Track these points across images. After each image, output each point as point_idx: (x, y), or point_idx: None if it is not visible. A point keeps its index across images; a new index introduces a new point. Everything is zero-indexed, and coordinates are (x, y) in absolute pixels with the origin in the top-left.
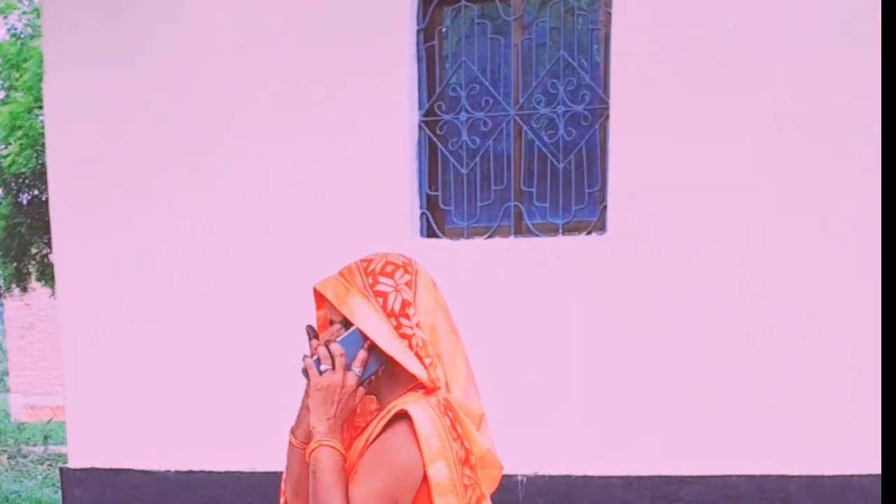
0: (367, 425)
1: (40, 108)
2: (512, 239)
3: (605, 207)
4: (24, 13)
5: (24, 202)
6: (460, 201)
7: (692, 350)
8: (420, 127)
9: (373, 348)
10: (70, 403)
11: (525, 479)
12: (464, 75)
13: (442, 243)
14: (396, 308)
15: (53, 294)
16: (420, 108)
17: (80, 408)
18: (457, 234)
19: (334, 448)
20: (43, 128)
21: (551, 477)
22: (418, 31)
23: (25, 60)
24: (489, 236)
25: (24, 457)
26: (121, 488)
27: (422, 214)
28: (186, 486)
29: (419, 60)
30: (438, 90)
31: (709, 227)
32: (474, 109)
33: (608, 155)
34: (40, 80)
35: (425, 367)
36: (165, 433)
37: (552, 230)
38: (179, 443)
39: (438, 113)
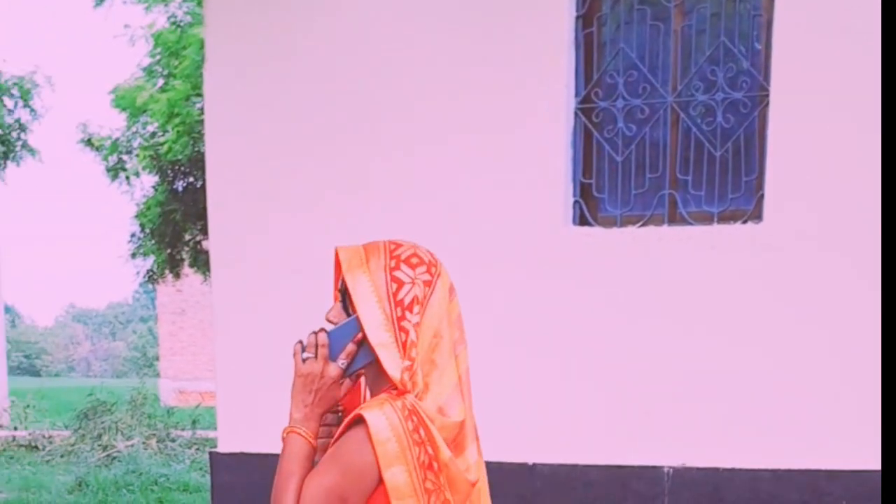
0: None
1: (198, 95)
2: (665, 227)
3: (762, 196)
4: (185, 1)
5: (179, 189)
6: (614, 189)
7: (846, 343)
8: (576, 114)
9: (365, 341)
10: (221, 388)
11: (671, 470)
12: (621, 62)
13: (594, 231)
14: (406, 300)
15: (205, 280)
16: (576, 95)
17: (230, 393)
18: (610, 223)
19: (303, 437)
20: (200, 115)
21: (698, 469)
22: (577, 18)
23: (184, 48)
24: (642, 224)
25: (173, 441)
26: (268, 473)
27: (575, 202)
28: None
29: (577, 47)
30: (595, 77)
31: (870, 219)
32: (631, 96)
33: (766, 143)
34: (199, 67)
35: (401, 367)
36: None
37: (707, 219)
38: None
39: (595, 100)
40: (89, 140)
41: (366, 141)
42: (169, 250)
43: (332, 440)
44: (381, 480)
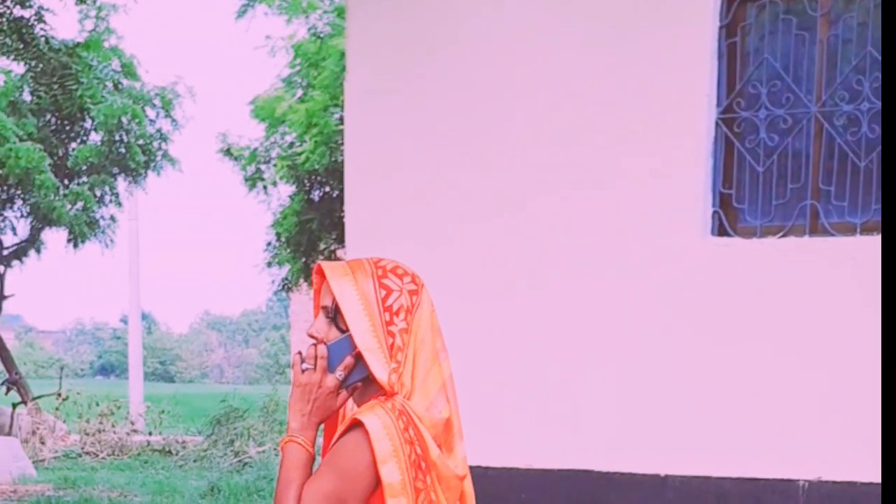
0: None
1: (336, 106)
2: (807, 238)
3: None
4: (326, 12)
5: (316, 199)
6: (754, 200)
7: None
8: (717, 124)
9: (361, 356)
10: None
11: (807, 483)
12: (765, 72)
13: (733, 242)
14: (394, 307)
15: None
16: (718, 105)
17: None
18: (749, 233)
19: (301, 445)
20: (337, 126)
21: (834, 483)
22: (720, 28)
23: (324, 59)
24: (783, 235)
25: None
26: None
27: (714, 213)
28: None
29: (720, 57)
30: (738, 87)
31: None
32: (774, 107)
33: None
34: (338, 78)
35: (389, 370)
36: None
37: (850, 230)
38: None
39: (736, 110)
40: (228, 150)
41: (504, 150)
42: (304, 259)
43: (328, 447)
44: (377, 483)
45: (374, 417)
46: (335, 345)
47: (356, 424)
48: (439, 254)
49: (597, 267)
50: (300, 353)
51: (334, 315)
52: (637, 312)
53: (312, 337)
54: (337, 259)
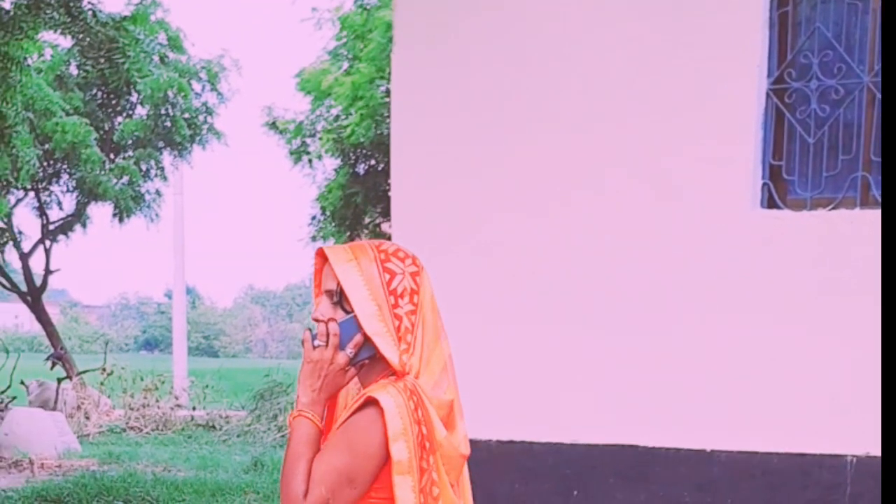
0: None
1: (382, 78)
2: (857, 210)
3: None
4: None
5: (361, 172)
6: (805, 172)
7: None
8: (768, 95)
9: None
10: None
11: (854, 459)
12: (816, 42)
13: (783, 214)
14: (399, 289)
15: None
16: (769, 75)
17: None
18: (799, 206)
19: (311, 420)
20: (383, 98)
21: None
22: None
23: (370, 31)
24: (833, 207)
25: None
26: None
27: (764, 185)
28: (507, 455)
29: (771, 27)
30: (789, 57)
31: None
32: (825, 77)
33: None
34: (384, 50)
35: (399, 351)
36: (489, 403)
37: None
38: (502, 412)
39: (788, 81)
40: (274, 123)
41: (552, 123)
42: (349, 233)
43: (338, 424)
44: (386, 460)
45: (388, 396)
46: (345, 323)
47: (370, 402)
48: (486, 229)
49: (645, 240)
50: (310, 329)
51: (339, 299)
52: (685, 286)
53: (317, 321)
54: (381, 233)
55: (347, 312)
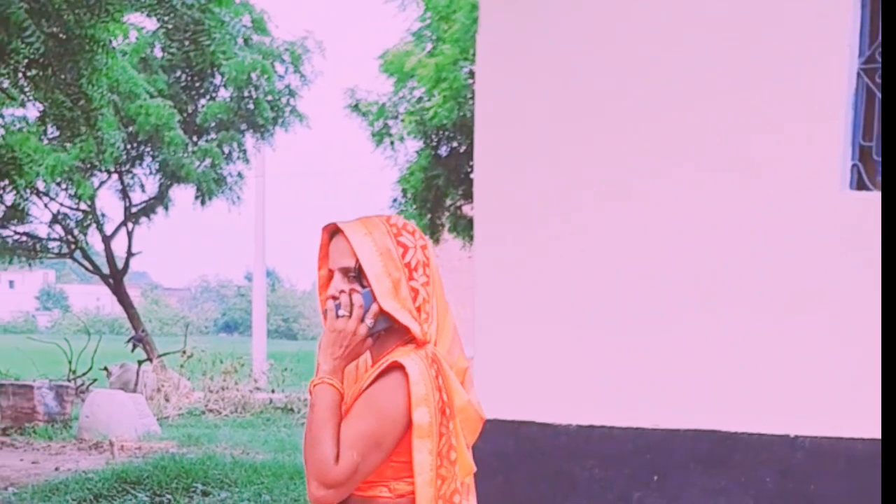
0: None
1: (465, 60)
2: None
3: None
4: None
5: (443, 154)
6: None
7: None
8: (858, 75)
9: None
10: (479, 355)
11: None
12: None
13: (872, 196)
14: (413, 263)
15: (464, 246)
16: (860, 55)
17: (488, 360)
18: None
19: (334, 386)
20: (466, 80)
21: None
22: None
23: (455, 12)
24: None
25: None
26: (522, 440)
27: (853, 166)
28: (587, 440)
29: (863, 6)
30: (881, 36)
31: None
32: None
33: None
34: (468, 31)
35: (420, 321)
36: (569, 386)
37: None
38: (582, 396)
39: (879, 60)
40: (356, 105)
41: (638, 105)
42: (429, 215)
43: (362, 388)
44: (409, 424)
45: (413, 363)
46: (365, 294)
47: (394, 367)
48: (569, 212)
49: (731, 221)
50: (333, 297)
51: (357, 275)
52: (771, 269)
53: (334, 298)
54: (462, 216)
55: (364, 287)
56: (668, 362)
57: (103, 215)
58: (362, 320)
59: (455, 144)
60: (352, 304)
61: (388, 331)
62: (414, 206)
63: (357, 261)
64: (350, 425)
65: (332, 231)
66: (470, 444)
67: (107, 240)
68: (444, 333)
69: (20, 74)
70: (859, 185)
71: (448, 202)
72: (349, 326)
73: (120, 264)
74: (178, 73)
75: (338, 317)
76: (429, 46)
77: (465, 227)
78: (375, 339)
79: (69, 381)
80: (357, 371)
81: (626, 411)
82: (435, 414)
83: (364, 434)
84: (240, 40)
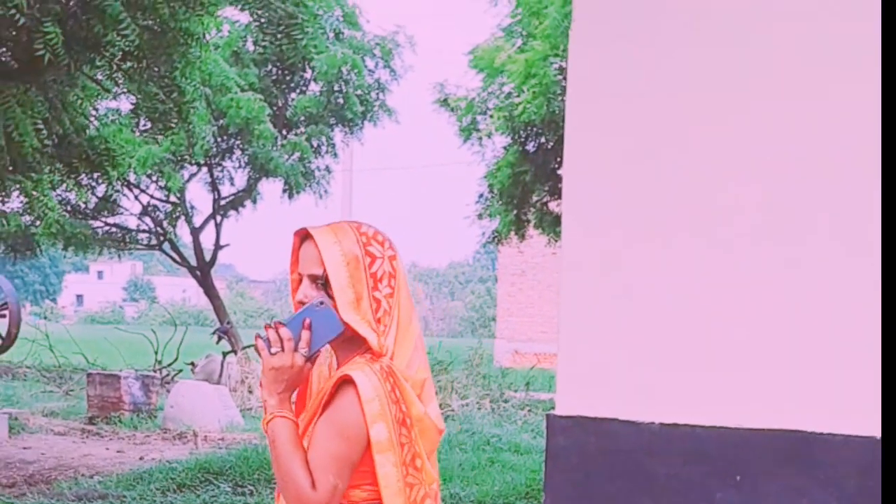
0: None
1: (556, 55)
2: None
3: None
4: None
5: (531, 150)
6: None
7: None
8: None
9: (325, 318)
10: (563, 351)
11: None
12: None
13: None
14: (379, 273)
15: (549, 242)
16: None
17: (572, 356)
18: None
19: (287, 418)
20: (556, 76)
21: None
22: None
23: (546, 7)
24: None
25: (506, 401)
26: (603, 438)
27: None
28: (669, 438)
29: None
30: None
31: None
32: None
33: None
34: (558, 27)
35: (378, 333)
36: (652, 384)
37: None
38: (665, 394)
39: None
40: (445, 100)
41: (736, 106)
42: (515, 211)
43: (319, 404)
44: (369, 440)
45: (365, 378)
46: (291, 323)
47: (346, 381)
48: (657, 210)
49: (829, 225)
50: (260, 336)
51: (325, 283)
52: (871, 270)
53: (302, 303)
54: (549, 212)
55: (331, 296)
56: (753, 361)
57: (192, 207)
58: (297, 350)
59: (543, 140)
60: (280, 339)
61: (351, 338)
62: (500, 202)
63: (325, 269)
64: (319, 449)
65: (304, 236)
66: (428, 454)
67: (195, 232)
68: (404, 346)
69: (115, 67)
70: None
71: (534, 198)
72: (285, 362)
73: (207, 256)
74: (270, 66)
75: (272, 354)
76: (519, 42)
77: (550, 224)
78: (341, 343)
79: (155, 371)
80: (319, 377)
81: (710, 410)
82: (394, 426)
83: (336, 456)
84: (331, 34)
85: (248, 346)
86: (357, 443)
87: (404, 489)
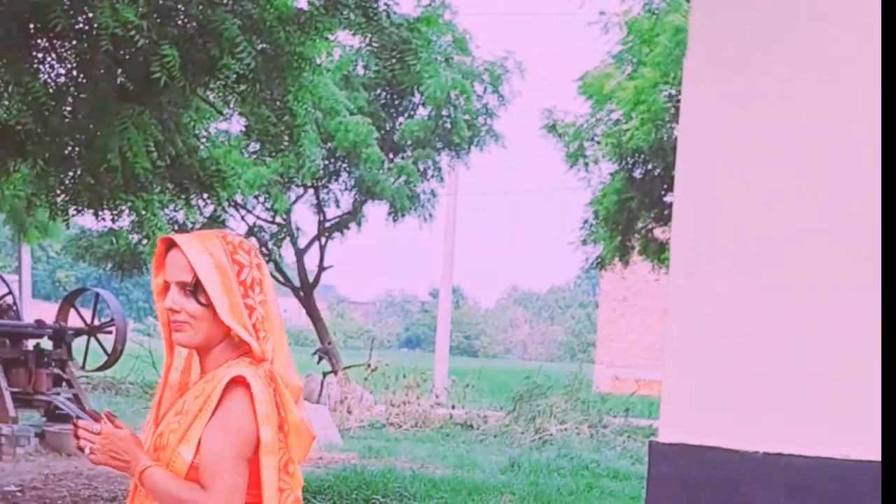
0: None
1: (666, 83)
2: None
3: None
4: None
5: (637, 177)
6: None
7: None
8: None
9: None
10: (667, 377)
11: None
12: None
13: None
14: (248, 281)
15: (653, 269)
16: None
17: (676, 383)
18: None
19: (156, 466)
20: (666, 103)
21: None
22: None
23: (657, 35)
24: None
25: (605, 427)
26: (706, 466)
27: None
28: (772, 468)
29: None
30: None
31: None
32: None
33: None
34: (670, 55)
35: (259, 339)
36: (757, 413)
37: None
38: (770, 423)
39: None
40: (553, 126)
41: (851, 138)
42: (620, 238)
43: (203, 405)
44: (258, 442)
45: (255, 379)
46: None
47: (239, 384)
48: (768, 241)
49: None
50: (75, 423)
51: (194, 289)
52: None
53: (172, 311)
54: (653, 239)
55: (200, 303)
56: (860, 392)
57: (298, 229)
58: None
59: (650, 167)
60: (78, 440)
61: (227, 342)
62: (605, 228)
63: (194, 275)
64: (214, 451)
65: (169, 244)
66: (300, 460)
67: (300, 253)
68: (281, 351)
69: (229, 89)
70: None
71: (640, 224)
72: (100, 459)
73: (310, 277)
74: (379, 90)
75: (90, 455)
76: (629, 69)
77: (655, 251)
78: (207, 354)
79: None
80: (189, 377)
81: (815, 440)
82: (276, 431)
83: (231, 455)
84: (441, 60)
85: (349, 367)
86: (249, 442)
87: (278, 493)
